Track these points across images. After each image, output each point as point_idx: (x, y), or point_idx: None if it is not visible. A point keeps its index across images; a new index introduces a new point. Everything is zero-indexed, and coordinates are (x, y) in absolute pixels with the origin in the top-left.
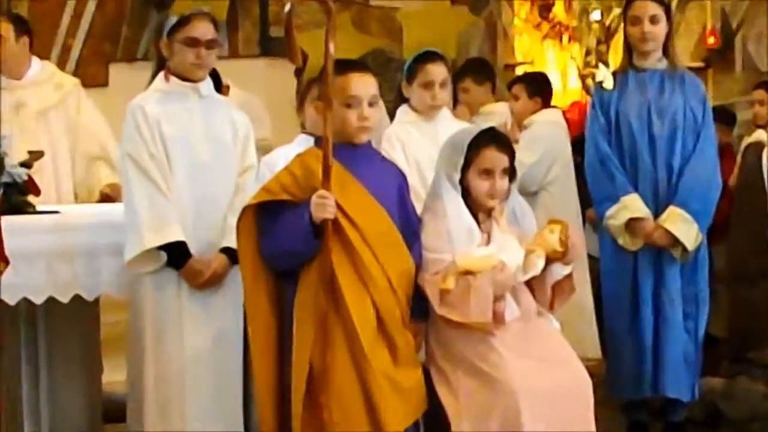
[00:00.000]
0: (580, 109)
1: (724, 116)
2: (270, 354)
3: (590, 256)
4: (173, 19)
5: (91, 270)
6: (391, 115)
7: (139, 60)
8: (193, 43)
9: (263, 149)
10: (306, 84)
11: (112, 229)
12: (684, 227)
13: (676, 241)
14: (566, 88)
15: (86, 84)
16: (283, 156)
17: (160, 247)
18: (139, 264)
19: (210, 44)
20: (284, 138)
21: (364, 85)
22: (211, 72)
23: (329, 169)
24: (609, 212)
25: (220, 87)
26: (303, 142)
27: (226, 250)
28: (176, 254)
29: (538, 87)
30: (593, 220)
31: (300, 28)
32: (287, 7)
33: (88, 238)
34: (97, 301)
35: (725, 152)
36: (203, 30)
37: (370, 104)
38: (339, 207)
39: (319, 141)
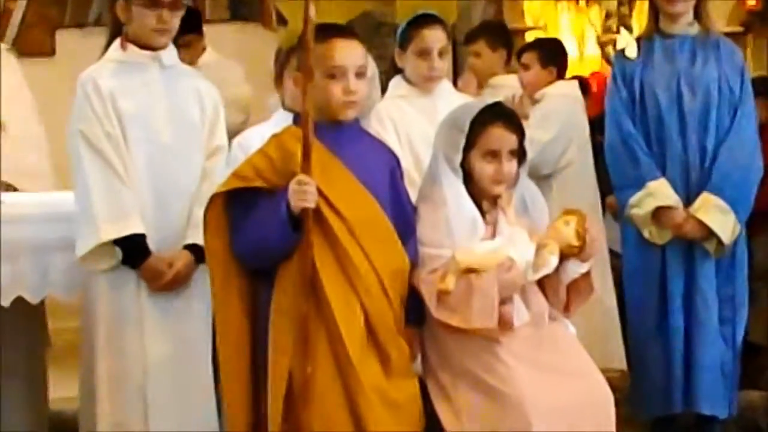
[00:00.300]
0: (599, 82)
1: (765, 88)
2: (242, 365)
3: (612, 252)
4: None
5: (36, 268)
6: (384, 88)
7: (90, 26)
8: (154, 4)
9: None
10: (285, 53)
11: (61, 221)
12: (719, 217)
13: (710, 234)
14: (583, 56)
15: (29, 53)
16: (258, 136)
17: (117, 242)
18: (93, 260)
19: (173, 5)
20: (259, 116)
21: (350, 53)
22: (191, 11)
23: (309, 151)
24: (633, 200)
25: (200, 26)
26: (282, 121)
27: (192, 247)
28: (134, 251)
29: (552, 55)
30: (614, 210)
31: None
32: None
33: (33, 232)
34: (42, 304)
35: (766, 130)
36: None
37: (357, 75)
38: (321, 194)
39: (298, 118)
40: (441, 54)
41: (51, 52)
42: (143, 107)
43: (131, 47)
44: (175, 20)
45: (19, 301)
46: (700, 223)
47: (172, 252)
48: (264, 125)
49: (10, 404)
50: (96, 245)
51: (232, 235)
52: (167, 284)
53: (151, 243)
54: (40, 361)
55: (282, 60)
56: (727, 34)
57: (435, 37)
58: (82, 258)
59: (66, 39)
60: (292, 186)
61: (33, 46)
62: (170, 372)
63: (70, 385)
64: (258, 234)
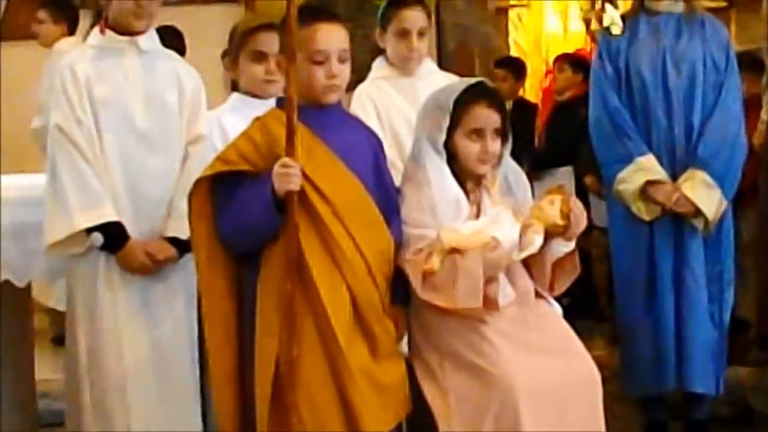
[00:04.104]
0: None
1: (751, 63)
2: (229, 349)
3: (598, 227)
4: None
5: (21, 252)
6: (368, 68)
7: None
8: None
9: None
10: (241, 35)
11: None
12: (705, 193)
13: (697, 210)
14: (567, 32)
15: (13, 37)
16: (216, 122)
17: (95, 228)
18: (63, 247)
19: None
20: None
21: (333, 37)
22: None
23: (294, 134)
24: (621, 175)
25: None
26: (238, 104)
27: (173, 240)
28: (110, 237)
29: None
30: (595, 187)
31: None
32: None
33: (17, 216)
34: (29, 287)
35: (752, 105)
36: None
37: (340, 60)
38: (306, 177)
39: (281, 101)
40: (420, 34)
41: (35, 35)
42: (119, 93)
43: (109, 33)
44: (153, 4)
45: (4, 284)
46: (687, 197)
47: (151, 240)
48: (219, 109)
49: None
50: (70, 234)
51: (217, 219)
52: (144, 272)
53: (127, 228)
54: (27, 343)
55: (237, 42)
56: (711, 10)
57: (414, 18)
58: (51, 245)
59: None
60: (276, 169)
61: (17, 29)
62: (150, 365)
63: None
64: (243, 217)
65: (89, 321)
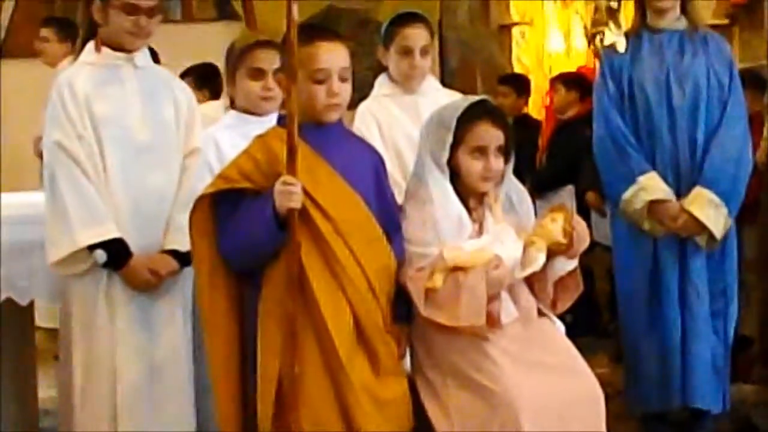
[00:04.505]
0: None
1: (753, 81)
2: (231, 365)
3: (600, 245)
4: None
5: (24, 270)
6: (370, 85)
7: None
8: (133, 10)
9: None
10: (238, 52)
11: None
12: (711, 212)
13: (702, 228)
14: (570, 50)
15: (17, 54)
16: (210, 139)
17: (97, 245)
18: (66, 265)
19: (151, 12)
20: None
21: (334, 56)
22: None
23: (295, 152)
24: (626, 195)
25: None
26: (234, 121)
27: (173, 253)
28: (113, 254)
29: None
30: (596, 205)
31: None
32: None
33: (21, 234)
34: (31, 305)
35: (754, 123)
36: None
37: (341, 79)
38: (307, 195)
39: (282, 119)
40: (423, 52)
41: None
42: (118, 109)
43: (105, 50)
44: (151, 26)
45: (7, 302)
46: (693, 217)
47: (153, 255)
48: (215, 126)
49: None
50: (73, 251)
51: (219, 237)
52: (148, 283)
53: (129, 244)
54: (29, 360)
55: (235, 59)
56: (713, 27)
57: (417, 36)
58: (55, 263)
59: None
60: (278, 187)
61: (21, 47)
62: (146, 381)
63: None
64: (244, 235)
65: (87, 339)
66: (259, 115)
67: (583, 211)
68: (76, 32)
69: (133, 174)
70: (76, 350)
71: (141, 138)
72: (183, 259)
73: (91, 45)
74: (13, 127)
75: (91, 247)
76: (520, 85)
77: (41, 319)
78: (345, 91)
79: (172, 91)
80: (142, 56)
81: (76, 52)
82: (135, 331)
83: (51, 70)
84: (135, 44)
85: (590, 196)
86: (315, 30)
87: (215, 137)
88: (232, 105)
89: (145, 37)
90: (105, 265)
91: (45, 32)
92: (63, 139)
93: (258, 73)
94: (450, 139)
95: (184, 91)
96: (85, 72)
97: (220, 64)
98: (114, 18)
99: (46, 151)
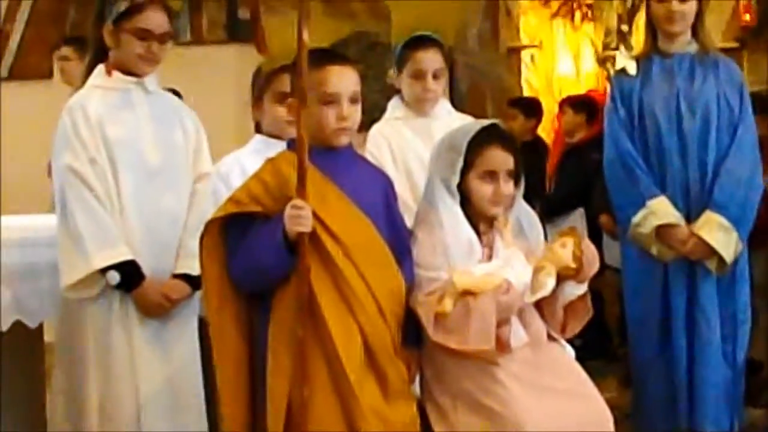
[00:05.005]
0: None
1: (763, 104)
2: (241, 388)
3: (611, 268)
4: (123, 5)
5: (33, 292)
6: (380, 108)
7: None
8: (145, 35)
9: None
10: (265, 76)
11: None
12: (722, 236)
13: (712, 252)
14: (580, 74)
15: (27, 76)
16: (236, 163)
17: (111, 267)
18: (79, 288)
19: (163, 38)
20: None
21: (345, 80)
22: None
23: (305, 176)
24: (635, 219)
25: None
26: (260, 146)
27: (184, 277)
28: (126, 276)
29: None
30: (609, 228)
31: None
32: None
33: (33, 256)
34: (40, 328)
35: (764, 146)
36: (157, 21)
37: (351, 102)
38: (317, 219)
39: (292, 143)
40: (437, 76)
41: (49, 74)
42: (131, 132)
43: (116, 74)
44: (162, 52)
45: (16, 324)
46: (703, 241)
47: (165, 281)
48: (241, 152)
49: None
50: (87, 274)
51: (229, 260)
52: (161, 312)
53: (142, 267)
54: (39, 385)
55: (261, 83)
56: (723, 50)
57: (430, 59)
58: (69, 286)
59: None
60: (288, 210)
61: (31, 69)
62: (163, 398)
63: None
64: (254, 259)
65: (102, 363)
66: (285, 139)
67: (595, 233)
68: None
69: (146, 198)
70: (90, 371)
71: (153, 162)
72: (195, 283)
73: (101, 68)
74: (22, 149)
75: (104, 270)
76: (529, 107)
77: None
78: (355, 114)
79: (180, 116)
80: (153, 81)
81: (82, 76)
82: (151, 353)
83: (65, 92)
84: (146, 70)
85: (603, 219)
86: (325, 54)
87: (241, 162)
88: (257, 129)
89: (156, 63)
90: (118, 286)
91: (66, 51)
92: (74, 163)
93: (285, 97)
94: (460, 163)
95: (192, 116)
96: (96, 95)
97: (231, 86)
98: (125, 43)
99: (56, 174)
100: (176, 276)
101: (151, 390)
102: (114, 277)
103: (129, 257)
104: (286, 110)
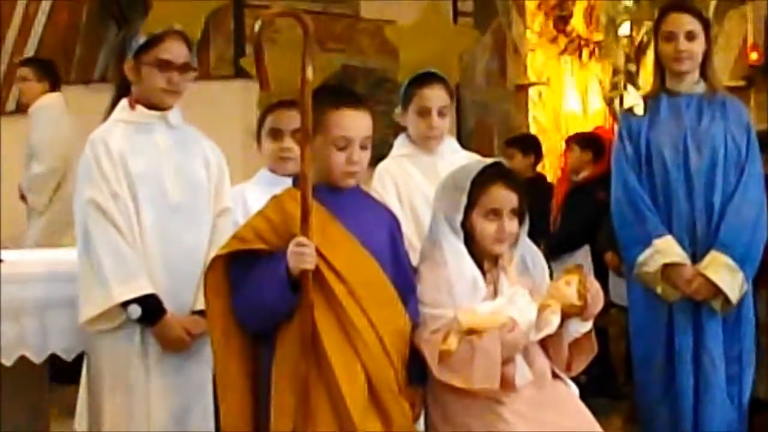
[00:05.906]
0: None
1: None
2: (244, 424)
3: (616, 305)
4: (142, 39)
5: (39, 328)
6: (387, 145)
7: (96, 82)
8: (166, 66)
9: None
10: (262, 112)
11: (63, 280)
12: (728, 276)
13: (717, 292)
14: (587, 111)
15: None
16: (239, 196)
17: (131, 302)
18: (98, 322)
19: (183, 68)
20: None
21: (359, 124)
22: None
23: (308, 213)
24: (641, 258)
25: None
26: (263, 180)
27: (204, 313)
28: (147, 310)
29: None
30: (614, 265)
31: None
32: (257, 26)
33: (37, 291)
34: (45, 364)
35: None
36: (177, 52)
37: (362, 147)
38: (321, 256)
39: (297, 180)
40: (442, 113)
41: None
42: (153, 167)
43: (139, 108)
44: (184, 83)
45: (21, 360)
46: (708, 281)
47: (187, 317)
48: (245, 184)
49: None
50: (109, 307)
51: (233, 297)
52: (182, 343)
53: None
54: (44, 422)
55: (259, 120)
56: (730, 89)
57: (435, 96)
58: (88, 320)
59: (72, 95)
60: (291, 248)
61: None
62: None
63: None
64: (258, 296)
65: (118, 397)
66: (282, 174)
67: (601, 271)
68: (53, 72)
69: (168, 233)
70: (106, 404)
71: (174, 196)
72: None
73: (124, 102)
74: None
75: (125, 304)
76: (527, 144)
77: None
78: (364, 158)
79: (203, 150)
80: (176, 115)
81: (106, 111)
82: (168, 387)
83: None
84: (168, 102)
85: (609, 257)
86: (340, 94)
87: (244, 195)
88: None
89: (178, 95)
90: (139, 320)
91: (24, 72)
92: (97, 197)
93: (276, 134)
94: (464, 201)
95: (214, 150)
96: (119, 130)
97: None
98: (147, 75)
99: (78, 209)
100: (195, 312)
101: (162, 421)
102: (135, 310)
103: (150, 291)
104: (278, 146)
